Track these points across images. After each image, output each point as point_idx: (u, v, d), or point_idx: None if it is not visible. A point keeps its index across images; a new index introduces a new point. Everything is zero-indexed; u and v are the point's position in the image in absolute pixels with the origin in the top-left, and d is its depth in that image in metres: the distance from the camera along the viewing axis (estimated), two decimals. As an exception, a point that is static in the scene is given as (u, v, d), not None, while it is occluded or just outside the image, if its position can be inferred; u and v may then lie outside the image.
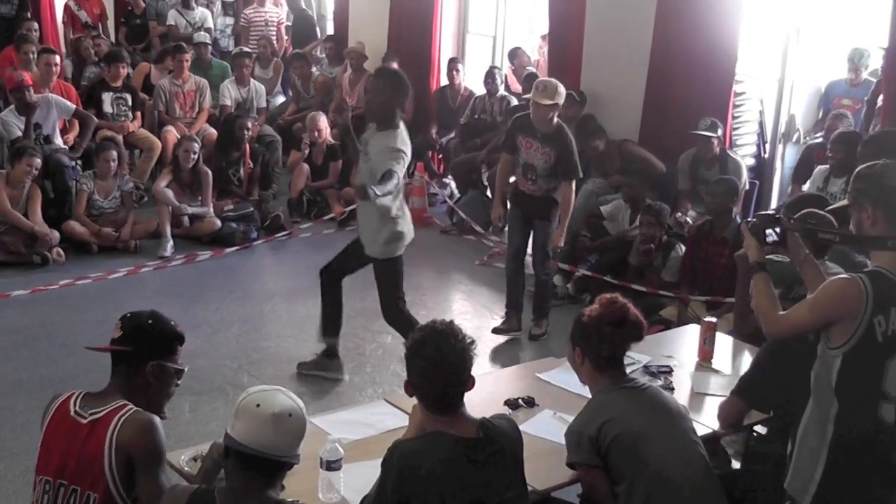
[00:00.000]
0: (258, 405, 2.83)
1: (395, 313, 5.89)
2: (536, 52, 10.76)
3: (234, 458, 2.85)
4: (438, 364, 3.10)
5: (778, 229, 3.66)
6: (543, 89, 6.51)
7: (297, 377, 6.22)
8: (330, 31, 12.99)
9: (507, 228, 7.42)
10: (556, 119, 6.56)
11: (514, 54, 10.40)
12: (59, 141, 9.04)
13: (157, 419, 3.15)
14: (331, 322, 6.17)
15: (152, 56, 11.70)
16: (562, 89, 6.57)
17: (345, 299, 7.42)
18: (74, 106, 9.19)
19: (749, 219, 3.81)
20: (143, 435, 3.08)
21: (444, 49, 11.11)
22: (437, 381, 3.13)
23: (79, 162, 8.92)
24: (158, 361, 3.23)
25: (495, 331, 6.88)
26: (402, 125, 5.66)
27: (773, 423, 4.33)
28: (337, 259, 6.14)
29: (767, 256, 3.67)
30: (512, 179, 7.00)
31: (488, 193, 9.17)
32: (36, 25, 11.41)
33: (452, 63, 10.62)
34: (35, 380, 5.99)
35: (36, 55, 9.60)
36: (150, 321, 3.29)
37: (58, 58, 9.81)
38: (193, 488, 2.96)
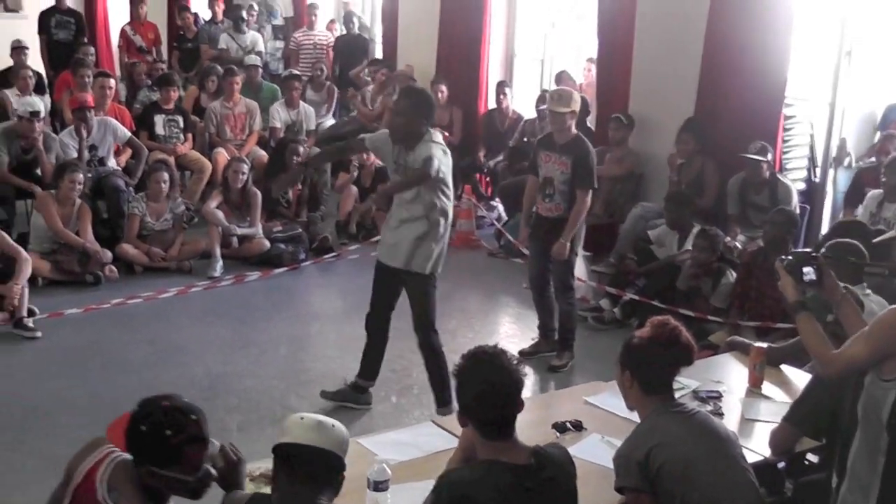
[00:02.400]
0: (302, 418, 3.02)
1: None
2: (583, 75, 10.75)
3: (283, 469, 2.96)
4: (495, 387, 3.09)
5: (815, 267, 3.60)
6: (559, 98, 6.53)
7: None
8: (378, 54, 13.06)
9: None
10: (573, 129, 6.53)
11: (559, 78, 10.42)
12: (112, 163, 9.21)
13: None
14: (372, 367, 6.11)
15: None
16: (577, 97, 6.56)
17: (391, 322, 7.48)
18: (129, 134, 9.36)
19: (784, 256, 3.74)
20: None
21: (493, 72, 11.17)
22: (494, 405, 3.11)
23: (132, 186, 9.07)
24: (151, 468, 2.87)
25: (521, 353, 6.73)
26: (430, 135, 5.54)
27: (826, 452, 4.27)
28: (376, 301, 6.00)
29: None
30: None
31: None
32: (92, 50, 11.68)
33: (500, 86, 10.65)
34: (86, 398, 6.07)
35: (92, 79, 9.79)
36: (141, 426, 2.86)
37: (112, 81, 10.02)
38: (250, 494, 3.01)
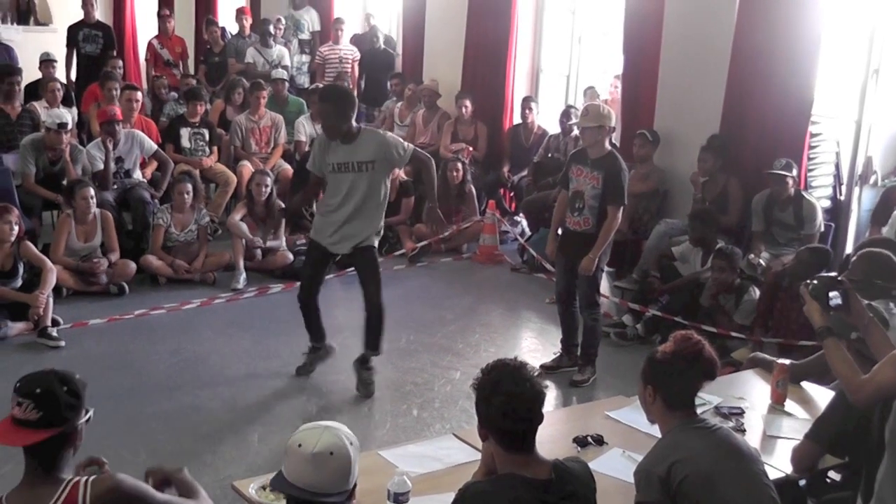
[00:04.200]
0: (300, 445, 2.80)
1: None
2: (608, 91, 10.73)
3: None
4: (517, 399, 3.07)
5: (842, 291, 3.56)
6: (586, 113, 6.54)
7: (366, 411, 6.26)
8: (399, 68, 13.06)
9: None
10: (607, 145, 6.50)
11: (586, 94, 10.40)
12: (138, 175, 9.28)
13: (117, 476, 3.01)
14: (318, 330, 6.77)
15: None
16: (606, 111, 6.48)
17: (413, 335, 7.52)
18: (156, 147, 9.43)
19: (809, 281, 3.70)
20: (120, 498, 2.96)
21: (518, 87, 11.18)
22: (516, 417, 3.08)
23: (157, 198, 9.15)
24: (76, 423, 3.04)
25: (543, 367, 6.74)
26: (362, 129, 6.36)
27: (849, 470, 4.24)
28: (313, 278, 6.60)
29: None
30: None
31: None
32: (120, 63, 11.77)
33: (526, 101, 10.66)
34: (109, 407, 6.06)
35: (119, 91, 9.88)
36: (63, 387, 3.02)
37: (139, 94, 10.13)
38: None
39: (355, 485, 2.89)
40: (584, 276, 6.54)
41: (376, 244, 6.47)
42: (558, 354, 7.00)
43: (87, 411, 3.09)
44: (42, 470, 2.99)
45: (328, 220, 6.40)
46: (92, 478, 2.97)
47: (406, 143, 6.41)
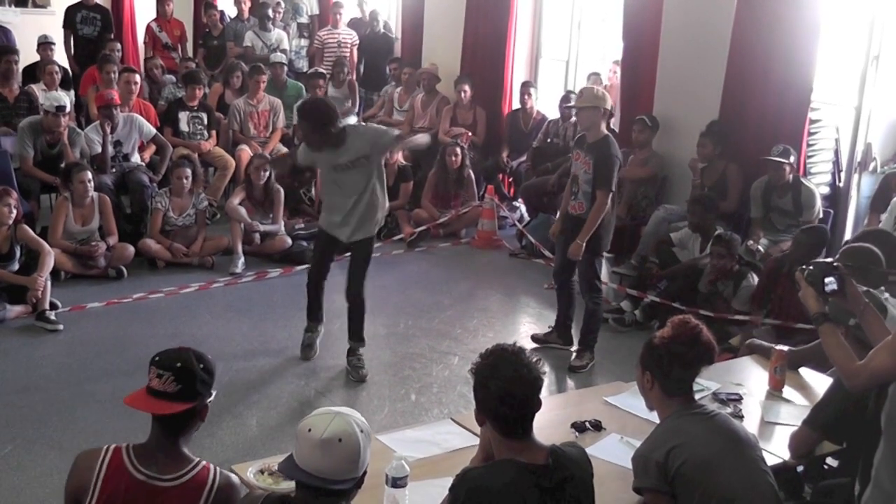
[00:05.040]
0: (309, 430, 2.78)
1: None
2: (607, 77, 10.71)
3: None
4: (514, 385, 3.06)
5: (837, 277, 3.55)
6: (580, 95, 6.59)
7: (364, 396, 6.27)
8: (398, 52, 13.03)
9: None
10: (603, 129, 6.48)
11: (588, 79, 10.36)
12: (137, 159, 9.27)
13: (236, 479, 3.19)
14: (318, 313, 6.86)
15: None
16: (601, 93, 6.48)
17: (412, 320, 7.52)
18: (155, 131, 9.41)
19: (804, 266, 3.69)
20: (231, 497, 3.10)
21: (517, 73, 11.15)
22: (513, 404, 3.08)
23: (156, 182, 9.14)
24: (206, 399, 3.14)
25: (533, 338, 6.89)
26: (345, 129, 6.27)
27: (846, 456, 4.25)
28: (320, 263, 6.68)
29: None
30: None
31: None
32: (119, 46, 11.73)
33: (525, 87, 10.63)
34: (107, 391, 6.09)
35: (117, 75, 9.85)
36: (200, 364, 3.11)
37: (138, 77, 10.10)
38: (265, 495, 2.99)
39: (365, 471, 2.87)
40: (582, 260, 6.57)
41: (374, 232, 6.56)
42: (551, 329, 7.03)
43: (212, 392, 3.19)
44: (168, 441, 3.10)
45: (334, 214, 6.42)
46: (219, 474, 3.12)
47: (386, 132, 6.48)
